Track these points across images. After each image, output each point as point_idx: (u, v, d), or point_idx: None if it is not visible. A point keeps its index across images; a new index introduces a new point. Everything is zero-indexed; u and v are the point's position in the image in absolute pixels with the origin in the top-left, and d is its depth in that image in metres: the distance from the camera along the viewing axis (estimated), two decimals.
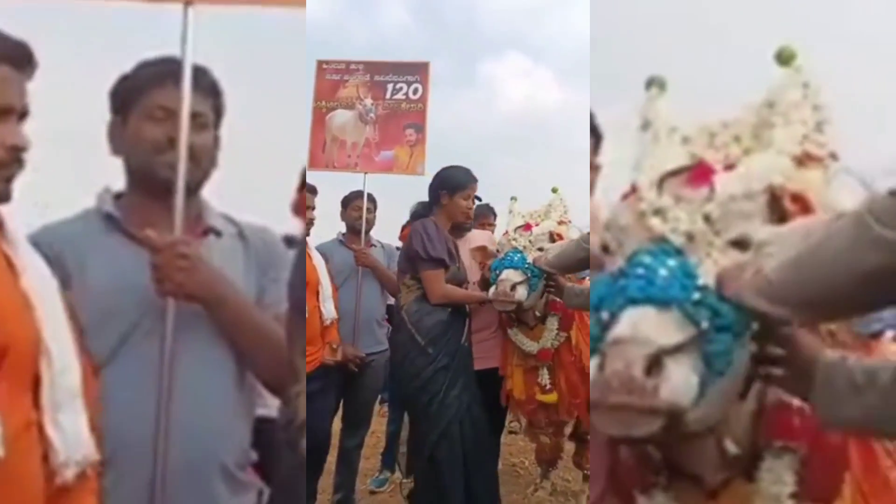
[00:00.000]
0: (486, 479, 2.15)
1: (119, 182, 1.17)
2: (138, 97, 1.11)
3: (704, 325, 0.76)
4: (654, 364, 0.72)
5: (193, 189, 1.14)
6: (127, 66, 1.12)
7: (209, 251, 1.12)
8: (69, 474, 0.81)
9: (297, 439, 0.95)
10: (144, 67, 1.14)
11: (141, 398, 1.04)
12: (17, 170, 0.84)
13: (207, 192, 1.21)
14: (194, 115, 1.09)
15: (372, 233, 2.91)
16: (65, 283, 1.04)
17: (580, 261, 2.09)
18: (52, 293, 0.89)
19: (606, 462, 1.03)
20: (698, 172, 0.89)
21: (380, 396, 3.31)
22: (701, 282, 0.80)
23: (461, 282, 2.31)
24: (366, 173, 2.94)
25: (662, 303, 0.77)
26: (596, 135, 1.42)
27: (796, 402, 0.86)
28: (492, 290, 2.26)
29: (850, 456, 0.85)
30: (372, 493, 2.99)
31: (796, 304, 0.71)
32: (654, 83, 1.01)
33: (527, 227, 2.43)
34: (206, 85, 1.15)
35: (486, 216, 3.23)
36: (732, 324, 0.78)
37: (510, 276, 2.24)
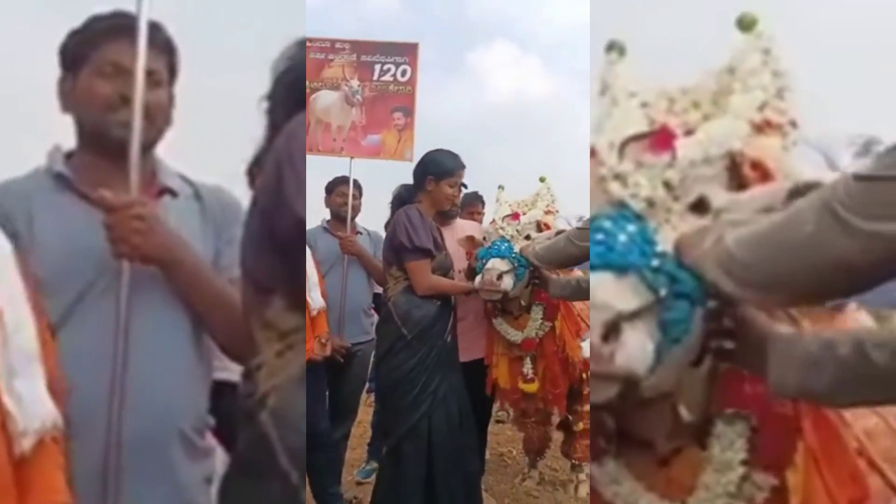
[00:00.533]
0: (465, 476, 2.11)
1: (70, 141, 1.15)
2: (89, 53, 1.09)
3: (663, 291, 0.76)
4: (612, 330, 0.72)
5: (147, 148, 1.12)
6: (79, 21, 1.10)
7: (165, 212, 1.11)
8: (27, 444, 0.78)
9: (255, 412, 0.90)
10: (95, 22, 1.11)
11: (95, 361, 1.01)
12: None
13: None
14: (148, 73, 1.07)
15: (357, 220, 2.85)
16: (13, 241, 1.00)
17: (569, 257, 2.04)
18: (4, 253, 0.86)
19: None
20: (660, 138, 0.88)
21: (367, 385, 3.26)
22: (660, 248, 0.80)
23: (447, 270, 2.27)
24: (352, 158, 2.86)
25: (621, 268, 0.77)
26: None
27: None
28: (478, 279, 2.24)
29: (804, 423, 0.84)
30: (359, 483, 2.96)
31: (759, 286, 0.70)
32: (614, 48, 1.00)
33: (515, 216, 2.41)
34: (161, 41, 1.12)
35: (474, 205, 3.19)
36: (691, 291, 0.78)
37: (497, 265, 2.22)
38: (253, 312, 0.94)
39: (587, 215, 2.01)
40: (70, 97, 1.12)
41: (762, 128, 0.90)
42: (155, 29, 1.09)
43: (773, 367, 0.71)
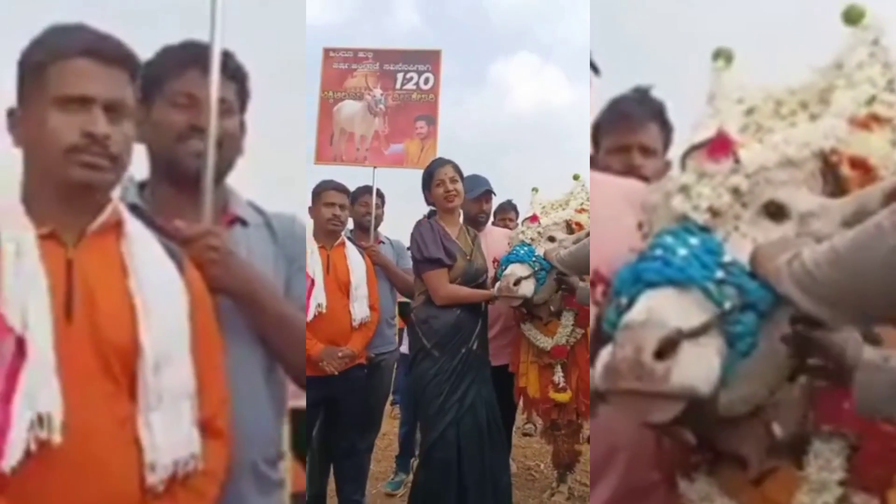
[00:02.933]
0: (496, 489, 2.10)
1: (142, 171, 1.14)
2: (161, 84, 1.08)
3: (727, 305, 0.73)
4: (669, 347, 0.69)
5: (219, 177, 1.11)
6: (150, 52, 1.09)
7: (237, 242, 1.09)
8: (154, 478, 0.80)
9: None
10: (167, 53, 1.11)
11: None
12: (104, 160, 0.84)
13: None
14: (220, 101, 1.06)
15: (380, 228, 2.83)
16: None
17: None
18: (166, 294, 0.88)
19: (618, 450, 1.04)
20: (717, 144, 0.86)
21: (391, 398, 3.23)
22: (727, 258, 0.77)
23: (479, 275, 2.25)
24: (375, 167, 2.85)
25: (681, 284, 0.75)
26: (666, 128, 1.42)
27: None
28: (497, 285, 2.22)
29: None
30: (388, 495, 2.92)
31: (838, 305, 0.67)
32: (721, 55, 0.98)
33: (533, 218, 2.37)
34: (231, 70, 1.11)
35: (506, 212, 3.17)
36: (758, 302, 0.75)
37: (515, 270, 2.21)
38: None
39: None
40: (143, 128, 1.10)
41: (867, 123, 0.87)
42: (226, 57, 1.09)
43: (860, 391, 0.68)
